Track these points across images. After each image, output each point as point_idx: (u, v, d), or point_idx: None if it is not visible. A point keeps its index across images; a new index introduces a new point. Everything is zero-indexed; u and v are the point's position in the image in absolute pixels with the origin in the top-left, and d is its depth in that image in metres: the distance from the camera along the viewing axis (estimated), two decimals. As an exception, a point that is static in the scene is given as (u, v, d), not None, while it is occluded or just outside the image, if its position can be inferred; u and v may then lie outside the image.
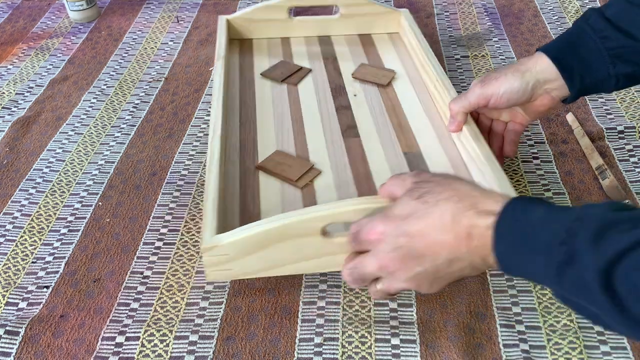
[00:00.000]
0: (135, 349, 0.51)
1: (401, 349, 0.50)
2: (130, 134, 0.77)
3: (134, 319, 0.54)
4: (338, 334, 0.52)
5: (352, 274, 0.46)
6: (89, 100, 0.84)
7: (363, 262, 0.45)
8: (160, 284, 0.57)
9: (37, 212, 0.65)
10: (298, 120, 0.70)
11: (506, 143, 0.62)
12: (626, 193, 0.62)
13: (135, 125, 0.79)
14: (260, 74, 0.78)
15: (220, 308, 0.54)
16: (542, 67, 0.56)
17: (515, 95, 0.56)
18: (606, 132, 0.71)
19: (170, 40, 1.00)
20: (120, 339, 0.52)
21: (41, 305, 0.55)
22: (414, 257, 0.42)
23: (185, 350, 0.51)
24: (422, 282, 0.44)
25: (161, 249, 0.60)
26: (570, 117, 0.75)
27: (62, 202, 0.67)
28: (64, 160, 0.73)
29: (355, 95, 0.74)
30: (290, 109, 0.72)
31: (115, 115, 0.81)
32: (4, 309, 0.55)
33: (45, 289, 0.57)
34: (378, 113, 0.71)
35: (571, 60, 0.56)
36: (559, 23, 0.98)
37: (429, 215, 0.42)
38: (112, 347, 0.51)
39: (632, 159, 0.68)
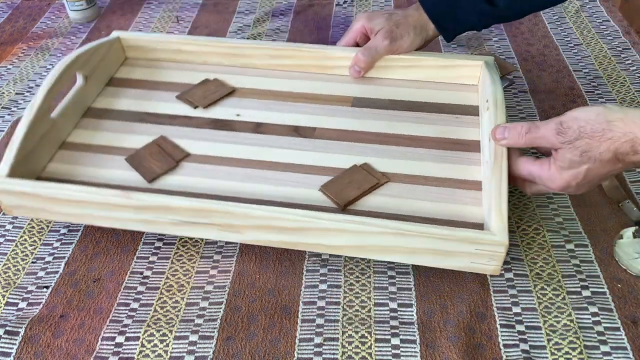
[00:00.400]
0: (135, 349, 0.51)
1: (401, 349, 0.50)
2: (130, 134, 0.77)
3: (134, 319, 0.54)
4: (338, 334, 0.52)
5: (525, 187, 0.56)
6: (89, 100, 0.84)
7: (539, 188, 0.55)
8: (160, 284, 0.57)
9: (37, 212, 0.65)
10: None
11: None
12: (626, 193, 0.62)
13: (135, 125, 0.79)
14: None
15: (220, 308, 0.54)
16: (429, 22, 0.71)
17: (414, 48, 0.73)
18: (606, 132, 0.71)
19: (170, 40, 1.00)
20: (120, 339, 0.52)
21: (41, 305, 0.55)
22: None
23: (185, 350, 0.51)
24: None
25: (161, 249, 0.60)
26: None
27: (62, 202, 0.66)
28: (63, 160, 0.73)
29: None
30: None
31: (115, 115, 0.81)
32: (4, 309, 0.55)
33: (45, 289, 0.57)
34: None
35: (449, 21, 0.71)
36: (559, 23, 0.98)
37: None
38: (112, 347, 0.51)
39: (632, 159, 0.68)
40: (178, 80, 0.76)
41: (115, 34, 0.78)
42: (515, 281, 0.55)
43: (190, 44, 0.78)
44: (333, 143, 0.66)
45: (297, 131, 0.68)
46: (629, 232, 0.57)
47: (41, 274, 0.58)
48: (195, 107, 0.71)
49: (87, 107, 0.71)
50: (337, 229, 0.53)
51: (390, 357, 0.50)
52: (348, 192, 0.59)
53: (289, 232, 0.55)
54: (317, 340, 0.51)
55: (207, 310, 0.54)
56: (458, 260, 0.53)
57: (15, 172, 0.58)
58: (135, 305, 0.55)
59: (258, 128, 0.68)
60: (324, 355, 0.50)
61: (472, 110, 0.70)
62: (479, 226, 0.55)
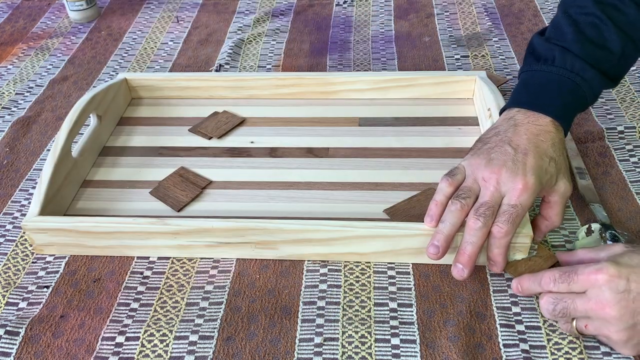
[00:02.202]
0: (135, 349, 0.51)
1: (401, 349, 0.50)
2: (130, 134, 0.77)
3: (134, 319, 0.54)
4: (338, 334, 0.52)
5: (555, 308, 0.48)
6: (89, 100, 0.84)
7: (575, 301, 0.46)
8: (160, 284, 0.57)
9: (37, 212, 0.65)
10: None
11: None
12: (627, 193, 0.62)
13: (135, 125, 0.79)
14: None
15: (220, 308, 0.54)
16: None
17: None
18: (606, 132, 0.71)
19: (170, 40, 1.00)
20: (120, 339, 0.52)
21: (41, 305, 0.55)
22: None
23: (185, 350, 0.51)
24: (635, 336, 0.45)
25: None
26: None
27: (62, 202, 0.67)
28: (64, 160, 0.73)
29: None
30: None
31: (115, 115, 0.81)
32: (4, 309, 0.55)
33: (45, 289, 0.57)
34: None
35: (572, 117, 0.59)
36: (559, 23, 0.98)
37: None
38: (112, 347, 0.51)
39: (632, 159, 0.68)
40: (187, 115, 0.78)
41: (121, 75, 0.80)
42: (515, 281, 0.55)
43: (196, 80, 0.80)
44: (348, 160, 0.69)
45: (311, 152, 0.71)
46: (582, 232, 0.58)
47: (41, 273, 0.58)
48: (210, 138, 0.73)
49: (103, 145, 0.73)
50: (372, 236, 0.55)
51: (390, 357, 0.50)
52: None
53: (324, 243, 0.56)
54: (317, 340, 0.51)
55: (207, 310, 0.54)
56: (483, 256, 0.55)
57: (45, 211, 0.59)
58: (135, 305, 0.55)
59: (273, 152, 0.71)
60: (324, 355, 0.50)
61: (471, 121, 0.74)
62: None
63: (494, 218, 0.52)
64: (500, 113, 0.60)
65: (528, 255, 0.54)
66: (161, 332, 0.52)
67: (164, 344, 0.51)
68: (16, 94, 0.87)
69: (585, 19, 0.59)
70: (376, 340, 0.51)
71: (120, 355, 0.51)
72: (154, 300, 0.55)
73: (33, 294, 0.57)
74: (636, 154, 0.68)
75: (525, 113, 0.57)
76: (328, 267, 0.57)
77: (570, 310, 0.47)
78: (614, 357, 0.49)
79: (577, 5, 0.60)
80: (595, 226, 0.58)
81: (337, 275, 0.57)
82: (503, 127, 0.57)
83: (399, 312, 0.53)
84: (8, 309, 0.55)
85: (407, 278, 0.56)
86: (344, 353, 0.50)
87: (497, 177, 0.53)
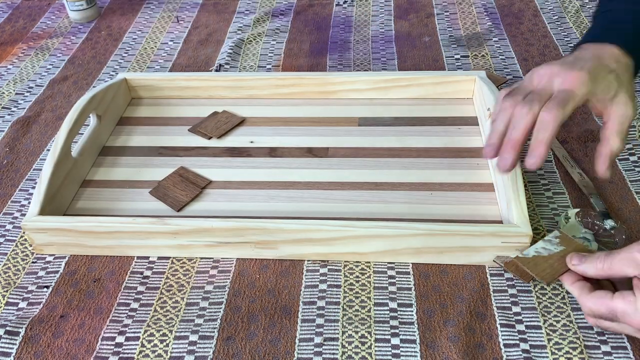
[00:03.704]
0: (135, 349, 0.51)
1: (401, 349, 0.50)
2: (130, 134, 0.77)
3: (134, 319, 0.54)
4: (338, 334, 0.52)
5: (600, 325, 0.48)
6: (89, 100, 0.84)
7: (619, 329, 0.47)
8: (160, 284, 0.57)
9: (37, 212, 0.65)
10: None
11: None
12: (627, 192, 0.62)
13: (135, 125, 0.79)
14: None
15: (220, 308, 0.54)
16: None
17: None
18: (606, 132, 0.71)
19: (170, 40, 1.00)
20: (120, 339, 0.52)
21: (41, 305, 0.55)
22: None
23: (185, 350, 0.51)
24: None
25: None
26: None
27: (62, 202, 0.67)
28: (64, 160, 0.73)
29: None
30: None
31: (115, 115, 0.81)
32: (4, 309, 0.55)
33: (45, 289, 0.57)
34: None
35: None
36: (559, 23, 0.98)
37: None
38: (112, 347, 0.51)
39: (632, 158, 0.68)
40: (186, 115, 0.78)
41: (120, 75, 0.80)
42: (515, 281, 0.55)
43: (196, 79, 0.80)
44: (347, 160, 0.69)
45: (311, 152, 0.71)
46: (561, 220, 0.59)
47: (41, 273, 0.58)
48: (209, 138, 0.73)
49: (102, 145, 0.73)
50: (372, 235, 0.55)
51: (390, 357, 0.50)
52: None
53: (324, 243, 0.56)
54: (317, 340, 0.51)
55: (207, 310, 0.54)
56: (484, 255, 0.56)
57: (45, 211, 0.59)
58: (135, 305, 0.55)
59: (273, 152, 0.71)
60: (324, 355, 0.50)
61: (471, 121, 0.74)
62: (498, 222, 0.59)
63: (541, 105, 0.50)
64: (573, 50, 0.59)
65: (551, 247, 0.52)
66: (161, 332, 0.52)
67: (164, 344, 0.51)
68: (16, 94, 0.87)
69: None
70: (376, 340, 0.51)
71: (120, 355, 0.51)
72: (154, 300, 0.55)
73: (33, 294, 0.57)
74: (636, 153, 0.68)
75: (592, 43, 0.56)
76: (328, 267, 0.57)
77: (615, 331, 0.48)
78: (615, 357, 0.49)
79: None
80: (571, 212, 0.59)
81: (337, 275, 0.57)
82: (574, 53, 0.56)
83: (399, 312, 0.53)
84: (8, 309, 0.55)
85: (407, 278, 0.56)
86: (344, 353, 0.50)
87: (551, 72, 0.52)
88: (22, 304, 0.56)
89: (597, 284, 0.49)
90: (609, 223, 0.58)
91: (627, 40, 0.55)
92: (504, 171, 0.53)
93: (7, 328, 0.53)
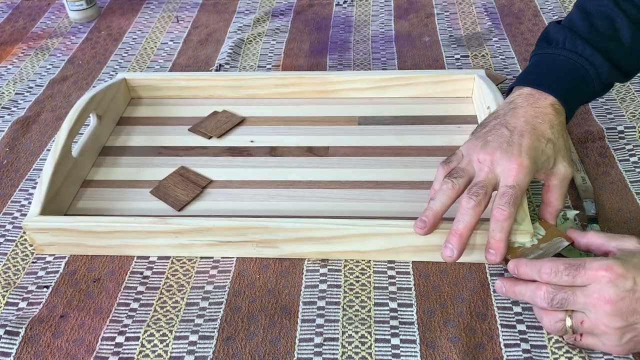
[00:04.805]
0: (135, 349, 0.51)
1: (401, 349, 0.50)
2: (130, 134, 0.77)
3: (134, 319, 0.53)
4: (338, 334, 0.51)
5: (555, 297, 0.46)
6: (89, 100, 0.84)
7: (576, 293, 0.46)
8: (160, 284, 0.57)
9: (37, 212, 0.65)
10: None
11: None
12: (627, 193, 0.62)
13: (135, 125, 0.79)
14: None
15: (220, 308, 0.54)
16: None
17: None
18: (606, 132, 0.71)
19: (170, 40, 1.00)
20: (120, 339, 0.52)
21: (41, 305, 0.55)
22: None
23: (185, 350, 0.51)
24: (628, 333, 0.45)
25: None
26: None
27: (62, 202, 0.66)
28: (63, 160, 0.73)
29: None
30: None
31: (115, 115, 0.81)
32: (4, 309, 0.55)
33: (45, 289, 0.57)
34: None
35: (577, 104, 0.59)
36: (559, 23, 0.98)
37: None
38: (112, 347, 0.51)
39: (632, 159, 0.68)
40: (186, 114, 0.78)
41: (120, 75, 0.80)
42: (516, 281, 0.55)
43: (195, 79, 0.80)
44: (347, 159, 0.69)
45: (311, 151, 0.71)
46: (559, 218, 0.58)
47: (41, 273, 0.58)
48: (210, 138, 0.73)
49: (102, 145, 0.73)
50: (372, 234, 0.55)
51: (390, 357, 0.50)
52: None
53: (325, 241, 0.56)
54: (317, 340, 0.51)
55: (207, 310, 0.54)
56: (483, 252, 0.54)
57: (46, 211, 0.59)
58: (135, 305, 0.55)
59: (273, 151, 0.71)
60: (324, 355, 0.50)
61: (470, 120, 0.74)
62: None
63: (487, 198, 0.52)
64: (509, 92, 0.61)
65: (535, 240, 0.53)
66: (161, 332, 0.52)
67: (164, 344, 0.51)
68: (16, 94, 0.87)
69: (598, 10, 0.59)
70: (376, 340, 0.51)
71: (120, 355, 0.51)
72: (154, 300, 0.55)
73: (33, 294, 0.56)
74: (636, 154, 0.68)
75: (525, 96, 0.57)
76: (328, 267, 0.57)
77: (569, 302, 0.46)
78: (615, 357, 0.48)
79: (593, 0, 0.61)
80: (570, 213, 0.59)
81: (337, 275, 0.57)
82: (502, 111, 0.57)
83: (399, 312, 0.53)
84: (8, 309, 0.55)
85: (407, 278, 0.56)
86: (344, 353, 0.50)
87: (491, 158, 0.53)
88: (22, 304, 0.56)
89: None
90: (593, 227, 0.58)
91: (561, 89, 0.57)
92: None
93: (7, 328, 0.53)
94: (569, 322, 0.47)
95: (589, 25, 0.59)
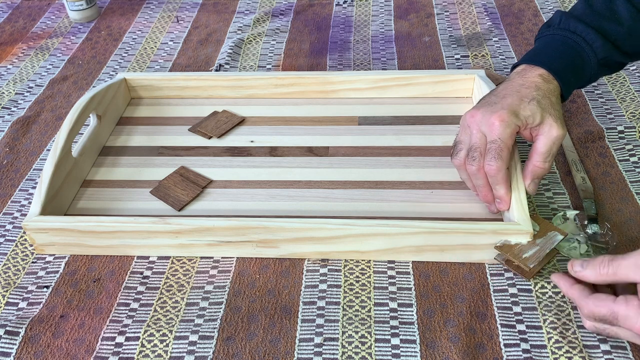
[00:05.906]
0: (135, 349, 0.51)
1: (401, 349, 0.50)
2: (130, 134, 0.77)
3: (134, 319, 0.54)
4: (338, 334, 0.51)
5: (597, 328, 0.47)
6: (89, 100, 0.84)
7: (618, 333, 0.46)
8: (160, 284, 0.57)
9: (37, 212, 0.65)
10: None
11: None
12: (627, 193, 0.62)
13: (135, 125, 0.79)
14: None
15: (220, 308, 0.54)
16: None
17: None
18: (606, 132, 0.71)
19: (170, 40, 1.00)
20: (120, 339, 0.52)
21: (41, 305, 0.55)
22: None
23: (185, 350, 0.51)
24: None
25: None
26: None
27: (62, 202, 0.66)
28: (63, 160, 0.73)
29: None
30: None
31: (115, 115, 0.81)
32: (4, 309, 0.55)
33: (45, 289, 0.57)
34: None
35: (573, 80, 0.60)
36: (559, 23, 0.98)
37: None
38: (112, 347, 0.51)
39: (632, 159, 0.68)
40: (186, 114, 0.78)
41: (120, 75, 0.80)
42: (516, 280, 0.55)
43: (195, 79, 0.80)
44: (348, 159, 0.69)
45: (311, 151, 0.71)
46: (558, 218, 0.59)
47: (41, 273, 0.58)
48: (210, 138, 0.73)
49: (102, 145, 0.73)
50: (372, 234, 0.55)
51: (390, 357, 0.50)
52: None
53: (325, 241, 0.57)
54: (317, 340, 0.51)
55: (207, 310, 0.54)
56: (485, 253, 0.56)
57: (46, 211, 0.59)
58: (135, 305, 0.55)
59: (273, 151, 0.71)
60: (324, 355, 0.50)
61: None
62: (499, 221, 0.59)
63: (482, 158, 0.56)
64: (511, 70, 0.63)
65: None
66: (161, 332, 0.52)
67: (164, 344, 0.51)
68: (16, 93, 0.87)
69: None
70: (376, 340, 0.51)
71: (120, 355, 0.51)
72: (154, 300, 0.55)
73: (33, 294, 0.57)
74: (636, 154, 0.68)
75: (518, 71, 0.60)
76: (328, 267, 0.57)
77: (611, 335, 0.47)
78: (615, 356, 0.49)
79: None
80: (570, 213, 0.59)
81: (337, 275, 0.57)
82: (500, 86, 0.60)
83: (399, 312, 0.53)
84: (8, 309, 0.55)
85: (407, 278, 0.56)
86: (344, 353, 0.50)
87: (475, 120, 0.56)
88: (22, 304, 0.56)
89: (594, 287, 0.49)
90: (592, 227, 0.58)
91: (551, 62, 0.59)
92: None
93: (7, 328, 0.53)
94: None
95: (587, 7, 0.61)
